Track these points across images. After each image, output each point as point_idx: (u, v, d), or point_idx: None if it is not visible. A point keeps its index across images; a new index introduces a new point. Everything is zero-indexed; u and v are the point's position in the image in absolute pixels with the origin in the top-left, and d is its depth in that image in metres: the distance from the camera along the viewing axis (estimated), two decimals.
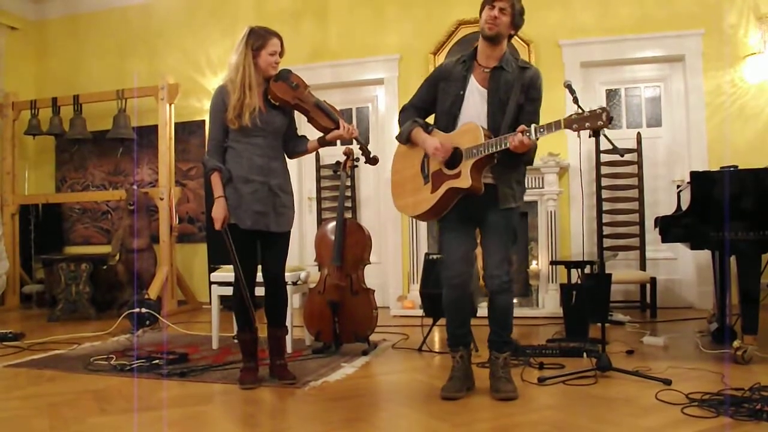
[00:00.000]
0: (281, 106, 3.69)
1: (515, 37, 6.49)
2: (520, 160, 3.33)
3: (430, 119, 3.59)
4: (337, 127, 3.72)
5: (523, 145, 3.11)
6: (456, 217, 3.41)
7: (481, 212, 3.37)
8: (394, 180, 3.65)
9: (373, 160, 4.01)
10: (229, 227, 3.61)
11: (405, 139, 3.54)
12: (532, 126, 3.13)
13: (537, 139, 3.15)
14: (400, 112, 3.65)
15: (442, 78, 3.50)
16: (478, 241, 3.54)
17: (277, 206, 3.69)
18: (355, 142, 3.88)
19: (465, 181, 3.22)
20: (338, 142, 6.99)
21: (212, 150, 3.68)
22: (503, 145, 3.14)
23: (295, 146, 3.87)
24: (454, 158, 3.30)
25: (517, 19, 3.39)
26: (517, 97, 3.32)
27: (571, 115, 3.13)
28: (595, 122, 3.08)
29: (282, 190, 3.73)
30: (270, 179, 3.66)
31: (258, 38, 3.62)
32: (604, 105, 3.15)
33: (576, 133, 3.18)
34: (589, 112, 3.09)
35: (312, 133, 3.85)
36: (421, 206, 3.43)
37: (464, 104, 3.40)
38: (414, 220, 6.40)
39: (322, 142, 3.82)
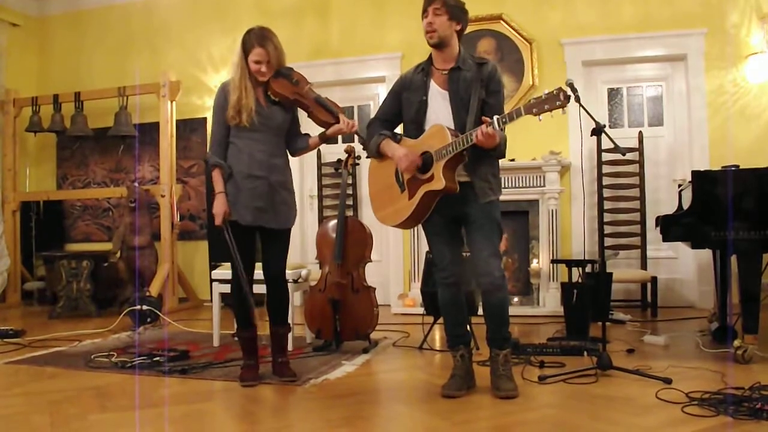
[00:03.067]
0: (281, 101, 3.71)
1: (518, 36, 6.61)
2: (491, 155, 3.35)
3: (399, 130, 3.63)
4: (337, 122, 3.73)
5: (488, 137, 3.12)
6: (440, 220, 3.44)
7: (462, 210, 3.39)
8: (371, 193, 3.69)
9: None
10: (229, 223, 3.63)
11: (374, 152, 3.57)
12: (494, 117, 3.14)
13: (502, 129, 3.17)
14: (367, 127, 3.69)
15: (404, 88, 3.54)
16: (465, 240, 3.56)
17: (277, 203, 3.70)
18: (356, 136, 3.89)
19: (439, 183, 3.24)
20: (340, 138, 7.08)
21: (215, 146, 3.71)
22: (470, 141, 3.16)
23: (297, 143, 3.88)
24: (425, 162, 3.32)
25: (455, 13, 3.36)
26: (478, 93, 3.33)
27: (530, 100, 3.13)
28: (553, 103, 3.04)
29: (282, 186, 3.74)
30: (270, 175, 3.67)
31: (246, 43, 3.64)
32: (565, 88, 3.12)
33: (537, 117, 3.09)
34: (546, 94, 3.07)
35: (313, 130, 3.86)
36: (401, 214, 3.44)
37: (428, 109, 3.43)
38: None
39: (323, 138, 3.83)
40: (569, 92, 3.07)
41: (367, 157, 3.95)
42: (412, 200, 3.36)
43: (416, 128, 3.45)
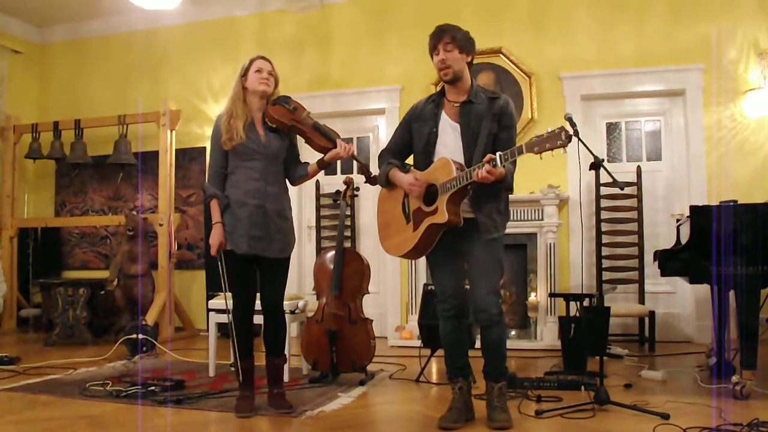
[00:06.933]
0: (278, 128, 3.73)
1: (517, 70, 6.66)
2: (499, 188, 3.34)
3: (411, 161, 3.64)
4: (335, 147, 3.75)
5: (490, 175, 3.10)
6: (443, 252, 3.44)
7: (465, 246, 3.40)
8: (379, 223, 3.70)
9: (373, 180, 4.01)
10: (225, 253, 3.63)
11: (384, 181, 3.58)
12: (497, 154, 3.12)
13: (503, 166, 3.15)
14: (378, 157, 3.71)
15: (414, 119, 3.56)
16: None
17: (272, 231, 3.69)
18: (354, 161, 3.90)
19: (442, 216, 3.24)
20: (338, 169, 7.09)
21: (212, 177, 3.73)
22: (470, 178, 3.15)
23: (297, 171, 3.89)
24: (431, 195, 3.33)
25: (465, 45, 3.40)
26: (489, 128, 3.34)
27: (531, 138, 3.10)
28: (554, 142, 3.00)
29: (279, 215, 3.73)
30: (266, 203, 3.67)
31: (243, 66, 3.76)
32: (567, 127, 3.08)
33: (539, 155, 3.06)
34: (548, 132, 3.03)
35: (312, 158, 3.87)
36: (406, 245, 3.45)
37: (438, 141, 3.44)
38: None
39: (321, 164, 3.84)
40: (571, 131, 3.03)
41: (368, 181, 3.96)
42: (416, 232, 3.37)
43: (425, 159, 3.45)
